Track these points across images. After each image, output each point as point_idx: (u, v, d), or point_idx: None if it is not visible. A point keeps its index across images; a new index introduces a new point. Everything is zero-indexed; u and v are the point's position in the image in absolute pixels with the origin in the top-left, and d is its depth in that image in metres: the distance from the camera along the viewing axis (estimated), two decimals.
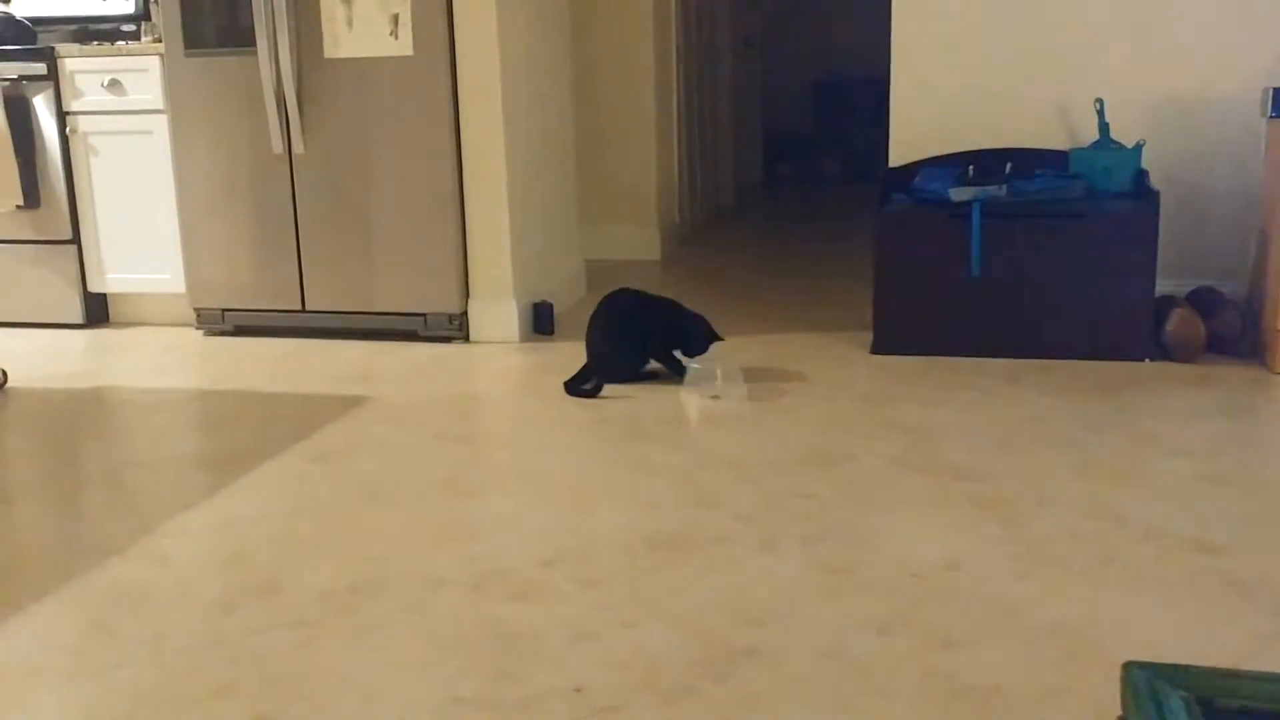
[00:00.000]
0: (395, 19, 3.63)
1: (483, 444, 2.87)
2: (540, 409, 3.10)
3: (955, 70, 3.82)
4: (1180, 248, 3.73)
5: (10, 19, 4.25)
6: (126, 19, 4.41)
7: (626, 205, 5.30)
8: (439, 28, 3.62)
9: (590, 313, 3.36)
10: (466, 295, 3.83)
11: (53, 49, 4.05)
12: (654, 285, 4.67)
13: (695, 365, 3.26)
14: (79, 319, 4.22)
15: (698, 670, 1.75)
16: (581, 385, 3.20)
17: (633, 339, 3.29)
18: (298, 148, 3.79)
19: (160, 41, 3.92)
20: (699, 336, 3.28)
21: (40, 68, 4.04)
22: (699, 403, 3.10)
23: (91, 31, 4.46)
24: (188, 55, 3.84)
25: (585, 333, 3.34)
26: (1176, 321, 3.33)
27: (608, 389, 3.20)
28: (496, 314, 3.82)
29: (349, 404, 3.19)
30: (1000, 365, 3.36)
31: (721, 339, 3.35)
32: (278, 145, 3.80)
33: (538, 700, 1.68)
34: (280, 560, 2.19)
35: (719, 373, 3.20)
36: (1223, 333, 3.37)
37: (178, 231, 4.02)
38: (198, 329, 4.09)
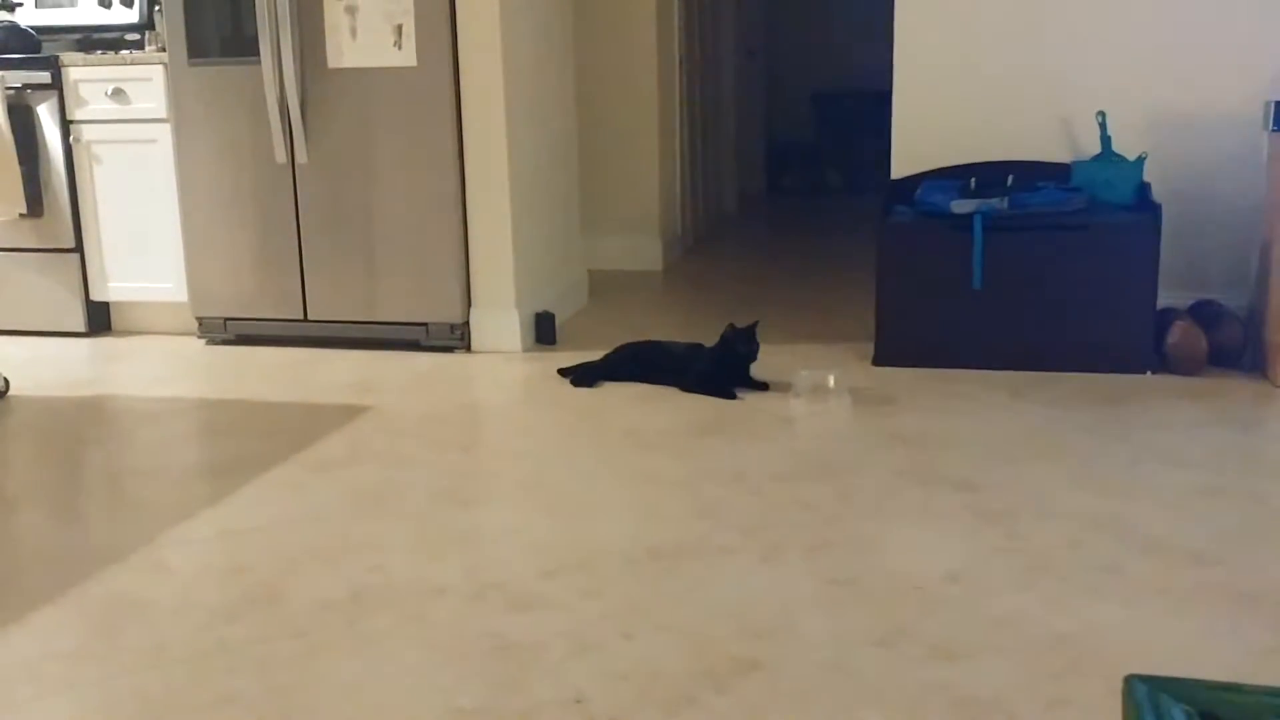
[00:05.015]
0: (399, 30, 3.64)
1: (484, 454, 2.87)
2: (542, 419, 3.10)
3: (957, 83, 3.83)
4: (1182, 260, 3.73)
5: (15, 28, 4.27)
6: (130, 28, 4.41)
7: (629, 215, 5.31)
8: (442, 38, 3.63)
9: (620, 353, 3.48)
10: (468, 305, 3.83)
11: (57, 58, 4.06)
12: (656, 295, 4.68)
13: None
14: (81, 327, 4.22)
15: (699, 681, 1.75)
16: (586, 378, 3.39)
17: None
18: (301, 157, 3.79)
19: (164, 51, 3.93)
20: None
21: (44, 76, 4.05)
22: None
23: (95, 41, 4.47)
24: (191, 64, 3.84)
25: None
26: (1178, 334, 3.33)
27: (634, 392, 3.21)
28: (498, 324, 3.82)
29: (350, 413, 3.19)
30: (1002, 377, 3.36)
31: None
32: (281, 155, 3.81)
33: (538, 711, 1.68)
34: (281, 570, 2.19)
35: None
36: (1225, 345, 3.37)
37: (180, 240, 4.02)
38: (200, 338, 4.09)
